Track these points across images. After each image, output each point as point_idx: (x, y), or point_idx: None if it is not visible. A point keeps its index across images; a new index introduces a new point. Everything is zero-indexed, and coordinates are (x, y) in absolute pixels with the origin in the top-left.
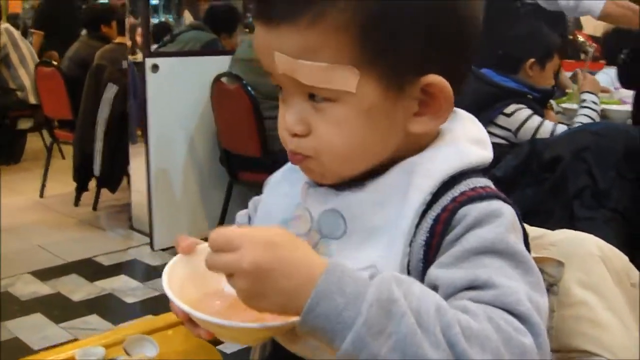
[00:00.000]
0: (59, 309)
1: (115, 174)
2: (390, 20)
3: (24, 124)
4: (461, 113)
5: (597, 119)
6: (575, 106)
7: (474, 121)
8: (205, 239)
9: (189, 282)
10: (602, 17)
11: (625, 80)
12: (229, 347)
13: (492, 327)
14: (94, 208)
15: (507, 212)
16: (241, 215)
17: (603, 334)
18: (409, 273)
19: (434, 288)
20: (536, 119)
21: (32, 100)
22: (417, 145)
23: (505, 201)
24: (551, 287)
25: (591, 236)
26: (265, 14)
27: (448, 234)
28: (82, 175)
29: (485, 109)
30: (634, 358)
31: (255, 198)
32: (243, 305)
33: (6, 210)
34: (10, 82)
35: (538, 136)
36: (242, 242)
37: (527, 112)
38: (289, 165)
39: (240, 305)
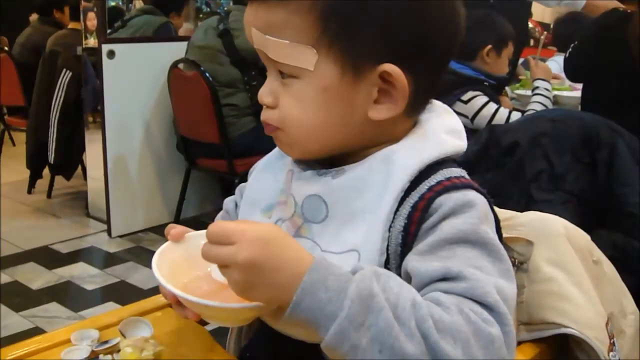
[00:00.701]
0: (18, 297)
1: (70, 160)
2: (348, 9)
3: None
4: (437, 104)
5: (550, 105)
6: (528, 92)
7: (450, 112)
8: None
9: (178, 267)
10: (586, 8)
11: (571, 73)
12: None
13: (463, 319)
14: (49, 196)
15: (480, 202)
16: (228, 201)
17: (569, 307)
18: (388, 256)
19: (410, 276)
20: (492, 106)
21: None
22: (392, 135)
23: (478, 191)
24: (521, 265)
25: (557, 217)
26: None
27: (425, 221)
28: (36, 163)
29: (443, 96)
30: (598, 328)
31: (242, 185)
32: (228, 288)
33: None
34: None
35: (494, 122)
36: (239, 238)
37: (483, 99)
38: (272, 153)
39: (225, 288)
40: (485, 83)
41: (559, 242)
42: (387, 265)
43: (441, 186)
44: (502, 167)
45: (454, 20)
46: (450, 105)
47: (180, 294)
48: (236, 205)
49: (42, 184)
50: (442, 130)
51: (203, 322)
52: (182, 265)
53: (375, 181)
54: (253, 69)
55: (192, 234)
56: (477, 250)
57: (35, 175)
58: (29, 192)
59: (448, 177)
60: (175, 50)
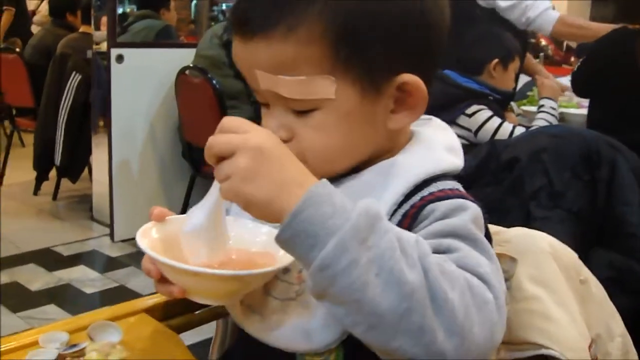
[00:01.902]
0: (17, 298)
1: (76, 163)
2: (359, 27)
3: None
4: (436, 121)
5: (555, 123)
6: (534, 109)
7: (447, 129)
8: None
9: (158, 248)
10: (553, 34)
11: (578, 88)
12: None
13: (461, 275)
14: (54, 198)
15: (472, 207)
16: None
17: (552, 327)
18: None
19: None
20: (496, 121)
21: None
22: (394, 143)
23: (473, 202)
24: (505, 282)
25: (543, 234)
26: (240, 29)
27: (415, 227)
28: (42, 164)
29: (448, 109)
30: (580, 350)
31: None
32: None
33: None
34: None
35: (497, 137)
36: (253, 128)
37: (487, 113)
38: None
39: (221, 264)
40: (490, 97)
41: (543, 260)
42: None
43: (433, 196)
44: (501, 183)
45: (446, 19)
46: (454, 118)
47: (166, 260)
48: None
49: (49, 185)
50: (441, 147)
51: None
52: (162, 247)
53: (370, 193)
54: None
55: (174, 217)
56: (467, 245)
57: (41, 177)
58: (35, 193)
59: (441, 188)
60: (184, 56)
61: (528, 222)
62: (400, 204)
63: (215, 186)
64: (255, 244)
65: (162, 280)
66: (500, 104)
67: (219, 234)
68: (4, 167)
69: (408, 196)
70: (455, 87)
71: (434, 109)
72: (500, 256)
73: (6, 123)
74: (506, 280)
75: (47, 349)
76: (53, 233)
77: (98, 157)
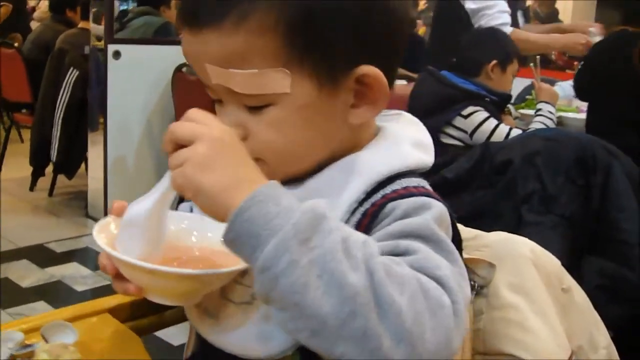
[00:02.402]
0: (7, 294)
1: (72, 160)
2: (316, 18)
3: None
4: (406, 116)
5: (552, 127)
6: (532, 112)
7: (419, 125)
8: None
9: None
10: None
11: (578, 91)
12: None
13: (414, 277)
14: (50, 194)
15: (436, 206)
16: (184, 206)
17: (529, 338)
18: None
19: None
20: (492, 122)
21: None
22: (358, 139)
23: (438, 200)
24: (481, 289)
25: (525, 239)
26: (189, 20)
27: (375, 226)
28: (39, 160)
29: (444, 111)
30: None
31: None
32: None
33: None
34: None
35: (493, 139)
36: (216, 122)
37: (483, 114)
38: None
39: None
40: (486, 99)
41: (523, 266)
42: None
43: (395, 194)
44: (494, 186)
45: (409, 11)
46: (450, 119)
47: (120, 256)
48: (191, 209)
49: (46, 181)
50: (408, 143)
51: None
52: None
53: (331, 193)
54: None
55: None
56: (429, 246)
57: (37, 173)
58: (31, 189)
59: (405, 186)
60: (181, 54)
61: (520, 226)
62: (361, 202)
63: (166, 177)
64: (218, 243)
65: (119, 277)
66: (497, 106)
67: (159, 227)
68: (0, 162)
69: (370, 194)
70: (451, 88)
71: (429, 110)
72: (477, 261)
73: (5, 118)
74: (483, 287)
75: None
76: (47, 229)
77: (94, 154)
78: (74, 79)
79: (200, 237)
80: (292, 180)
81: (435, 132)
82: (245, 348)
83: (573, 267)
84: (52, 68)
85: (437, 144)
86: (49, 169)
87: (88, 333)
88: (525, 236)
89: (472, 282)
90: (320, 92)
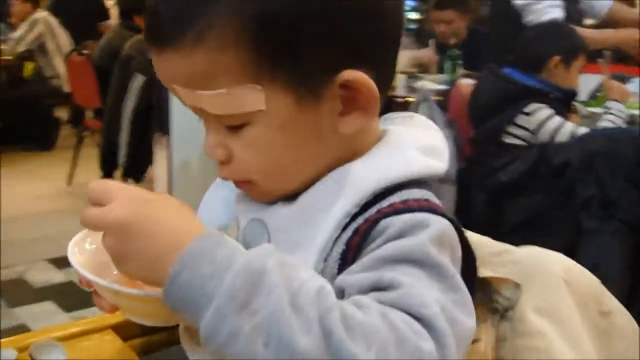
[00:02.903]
0: (71, 298)
1: (139, 164)
2: (280, 27)
3: (59, 112)
4: (418, 118)
5: (622, 126)
6: (601, 110)
7: (431, 127)
8: None
9: (99, 257)
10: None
11: None
12: None
13: (384, 324)
14: None
15: (436, 224)
16: None
17: None
18: None
19: (341, 293)
20: (556, 120)
21: (67, 88)
22: (357, 148)
23: (444, 216)
24: (506, 312)
25: (559, 255)
26: (150, 40)
27: (367, 246)
28: (107, 165)
29: (506, 108)
30: None
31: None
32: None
33: (35, 197)
34: (46, 69)
35: (557, 138)
36: (115, 196)
37: (547, 111)
38: None
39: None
40: (550, 95)
41: (553, 287)
42: None
43: (391, 208)
44: (551, 190)
45: (393, 8)
46: (512, 118)
47: (86, 274)
48: None
49: None
50: (415, 147)
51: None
52: (101, 256)
53: (323, 206)
54: None
55: None
56: (423, 272)
57: (106, 178)
58: None
59: (405, 199)
60: None
61: (578, 234)
62: (354, 217)
63: None
64: None
65: (96, 292)
66: (563, 103)
67: None
68: (73, 167)
69: (365, 207)
70: (513, 85)
71: (490, 108)
72: (502, 281)
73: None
74: (508, 309)
75: None
76: None
77: (159, 158)
78: (140, 84)
79: None
80: (288, 196)
81: (497, 132)
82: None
83: (635, 275)
84: (119, 74)
85: (499, 144)
86: (118, 173)
87: (86, 350)
88: (584, 244)
89: (496, 305)
90: (300, 105)
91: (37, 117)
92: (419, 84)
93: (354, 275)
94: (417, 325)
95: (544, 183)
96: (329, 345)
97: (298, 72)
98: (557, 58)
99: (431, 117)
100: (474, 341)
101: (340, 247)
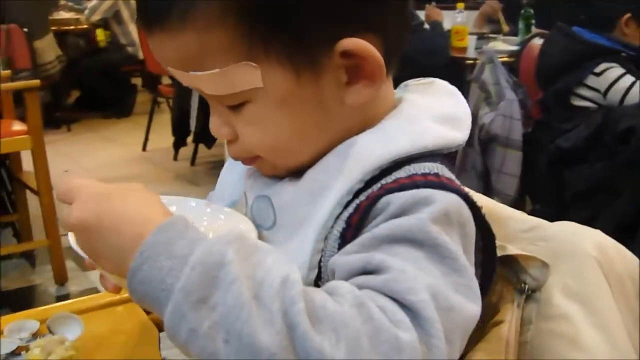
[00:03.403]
0: None
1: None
2: (269, 3)
3: (135, 80)
4: (438, 84)
5: None
6: None
7: (452, 95)
8: None
9: None
10: None
11: None
12: None
13: (358, 314)
14: (192, 163)
15: (440, 200)
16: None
17: (582, 357)
18: (319, 270)
19: (333, 275)
20: (628, 79)
21: (141, 55)
22: (368, 118)
23: (456, 193)
24: (533, 293)
25: (595, 232)
26: (141, 22)
27: (367, 224)
28: (179, 131)
29: (574, 69)
30: None
31: None
32: None
33: (111, 162)
34: (121, 37)
35: (628, 99)
36: (77, 195)
37: (618, 71)
38: None
39: None
40: (622, 54)
41: (584, 267)
42: (318, 281)
43: (396, 184)
44: (616, 157)
45: None
46: (582, 79)
47: (87, 256)
48: None
49: (188, 151)
50: (429, 117)
51: None
52: None
53: (325, 182)
54: None
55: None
56: (422, 252)
57: (178, 143)
58: (175, 159)
59: (412, 173)
60: None
61: None
62: (357, 193)
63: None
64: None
65: (101, 274)
66: (635, 62)
67: None
68: (147, 133)
69: (369, 183)
70: (582, 44)
71: (559, 69)
72: (530, 259)
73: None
74: (535, 290)
75: (9, 339)
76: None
77: None
78: None
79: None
80: (296, 172)
81: (565, 94)
82: None
83: None
84: None
85: (568, 107)
86: (190, 138)
87: (108, 323)
88: None
89: (523, 285)
90: (299, 79)
91: (114, 84)
92: (490, 45)
93: (345, 257)
94: (399, 314)
95: (606, 151)
96: (292, 339)
97: (293, 43)
98: (628, 15)
99: (496, 80)
100: (497, 323)
101: (340, 225)
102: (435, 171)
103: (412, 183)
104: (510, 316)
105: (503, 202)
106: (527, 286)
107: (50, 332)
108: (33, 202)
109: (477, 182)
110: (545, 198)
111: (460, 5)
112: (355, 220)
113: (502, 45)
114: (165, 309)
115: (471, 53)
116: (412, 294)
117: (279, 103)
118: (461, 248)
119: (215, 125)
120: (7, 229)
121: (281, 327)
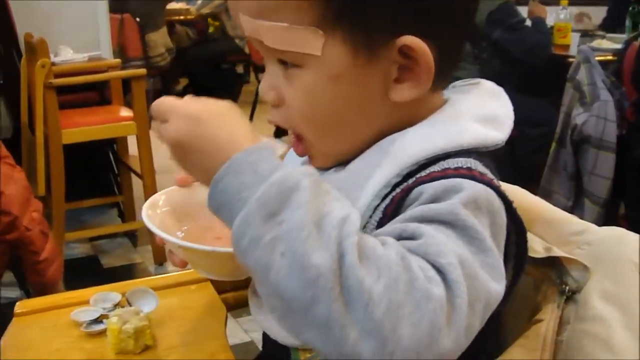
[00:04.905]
0: None
1: None
2: None
3: (240, 69)
4: (485, 85)
5: None
6: None
7: (497, 95)
8: None
9: (181, 213)
10: None
11: None
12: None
13: (401, 262)
14: None
15: (469, 188)
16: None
17: (612, 359)
18: None
19: None
20: None
21: (247, 50)
22: (412, 117)
23: (487, 184)
24: (573, 295)
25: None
26: None
27: (400, 214)
28: None
29: None
30: None
31: None
32: (229, 240)
33: None
34: (230, 29)
35: None
36: (170, 115)
37: None
38: None
39: (226, 239)
40: None
41: (625, 273)
42: None
43: (428, 177)
44: None
45: None
46: None
47: (157, 231)
48: None
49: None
50: (473, 118)
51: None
52: (185, 212)
53: (366, 174)
54: (484, 39)
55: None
56: (452, 232)
57: (279, 131)
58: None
59: (445, 167)
60: None
61: None
62: (395, 186)
63: None
64: None
65: (170, 250)
66: None
67: None
68: (250, 120)
69: (406, 177)
70: None
71: None
72: (572, 261)
73: (252, 78)
74: (575, 292)
75: (93, 309)
76: None
77: None
78: None
79: None
80: (341, 163)
81: None
82: (279, 332)
83: None
84: None
85: None
86: None
87: (178, 300)
88: None
89: (564, 286)
90: (355, 60)
91: (220, 74)
92: (594, 43)
93: (381, 230)
94: (432, 272)
95: None
96: (340, 265)
97: (362, 27)
98: None
99: (592, 80)
100: (537, 321)
101: (378, 215)
102: (468, 165)
103: (444, 175)
104: (550, 315)
105: (594, 205)
106: (567, 287)
107: (129, 304)
108: (137, 185)
109: (568, 182)
110: (636, 201)
111: (564, 2)
112: (390, 210)
113: (607, 43)
114: (237, 217)
115: (573, 51)
116: (442, 257)
117: (330, 78)
118: (489, 233)
119: (264, 87)
120: (113, 209)
121: (333, 253)
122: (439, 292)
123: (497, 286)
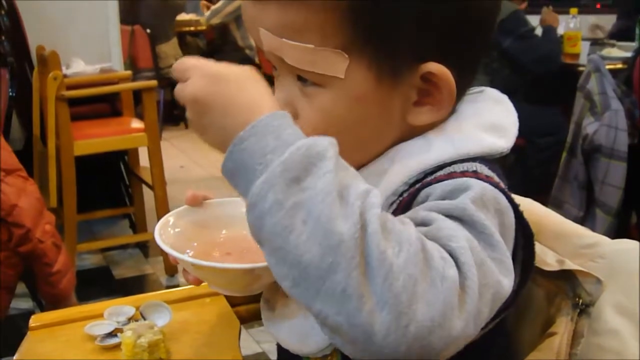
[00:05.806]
0: None
1: None
2: (381, 2)
3: None
4: (489, 93)
5: None
6: None
7: (501, 103)
8: None
9: (191, 231)
10: None
11: None
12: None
13: (419, 242)
14: None
15: (476, 186)
16: None
17: None
18: None
19: None
20: None
21: (257, 60)
22: (422, 129)
23: (484, 182)
24: (587, 308)
25: None
26: None
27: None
28: None
29: None
30: None
31: None
32: (239, 255)
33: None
34: (239, 40)
35: None
36: (192, 73)
37: None
38: None
39: (239, 258)
40: None
41: (638, 284)
42: None
43: (435, 180)
44: None
45: (496, 14)
46: None
47: (170, 250)
48: None
49: None
50: (475, 125)
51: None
52: (196, 230)
53: (373, 183)
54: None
55: (212, 200)
56: (462, 226)
57: None
58: None
59: (450, 172)
60: None
61: None
62: (401, 194)
63: None
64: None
65: (184, 269)
66: None
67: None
68: None
69: (413, 185)
70: None
71: None
72: (586, 275)
73: None
74: (587, 305)
75: (108, 322)
76: None
77: None
78: None
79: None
80: None
81: None
82: (290, 342)
83: None
84: None
85: None
86: None
87: (191, 313)
88: None
89: (578, 299)
90: (378, 84)
91: None
92: (604, 51)
93: None
94: (445, 254)
95: None
96: (363, 234)
97: (387, 52)
98: None
99: (602, 89)
100: (550, 334)
101: None
102: (474, 169)
103: (450, 177)
104: (563, 329)
105: (606, 215)
106: (581, 301)
107: (143, 317)
108: (148, 196)
109: (579, 192)
110: None
111: (574, 10)
112: (397, 215)
113: (617, 51)
114: (257, 179)
115: (583, 60)
116: (453, 241)
117: (351, 100)
118: (497, 229)
119: (279, 101)
120: (124, 220)
121: (356, 221)
122: (453, 273)
123: (505, 281)
